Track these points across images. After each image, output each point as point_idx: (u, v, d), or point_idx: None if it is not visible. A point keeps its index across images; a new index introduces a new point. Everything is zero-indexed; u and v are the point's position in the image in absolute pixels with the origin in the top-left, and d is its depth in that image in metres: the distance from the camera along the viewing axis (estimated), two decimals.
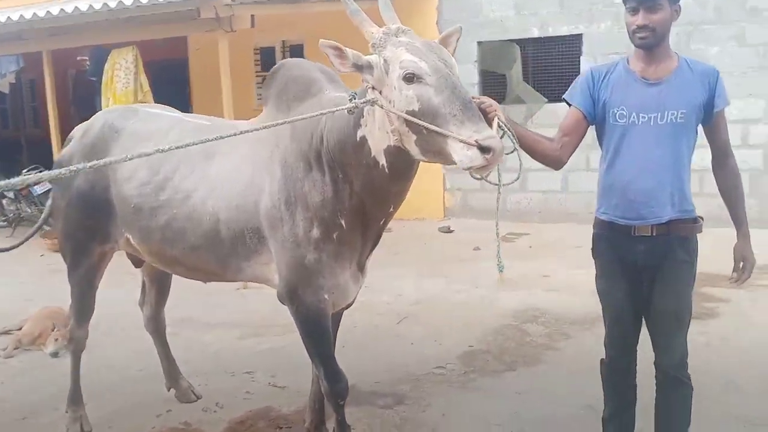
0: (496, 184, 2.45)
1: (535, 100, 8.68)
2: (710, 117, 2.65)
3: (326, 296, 2.79)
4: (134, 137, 3.19)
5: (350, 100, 2.42)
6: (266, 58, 10.55)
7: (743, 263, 2.68)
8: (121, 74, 6.96)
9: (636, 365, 2.88)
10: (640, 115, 2.61)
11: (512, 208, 8.78)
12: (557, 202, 8.86)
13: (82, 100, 11.37)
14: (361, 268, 2.91)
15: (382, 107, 2.36)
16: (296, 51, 10.31)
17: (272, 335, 5.03)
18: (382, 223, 2.79)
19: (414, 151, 2.37)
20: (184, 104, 9.84)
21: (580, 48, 8.57)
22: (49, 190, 9.68)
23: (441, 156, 2.30)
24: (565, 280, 5.94)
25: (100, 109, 7.29)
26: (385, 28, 2.47)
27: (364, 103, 2.39)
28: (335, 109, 2.43)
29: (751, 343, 4.47)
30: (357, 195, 2.63)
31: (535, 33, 8.75)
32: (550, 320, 5.02)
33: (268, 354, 4.69)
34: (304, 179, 2.70)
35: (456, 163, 2.23)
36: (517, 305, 5.38)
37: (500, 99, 9.12)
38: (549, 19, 8.65)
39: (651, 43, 2.59)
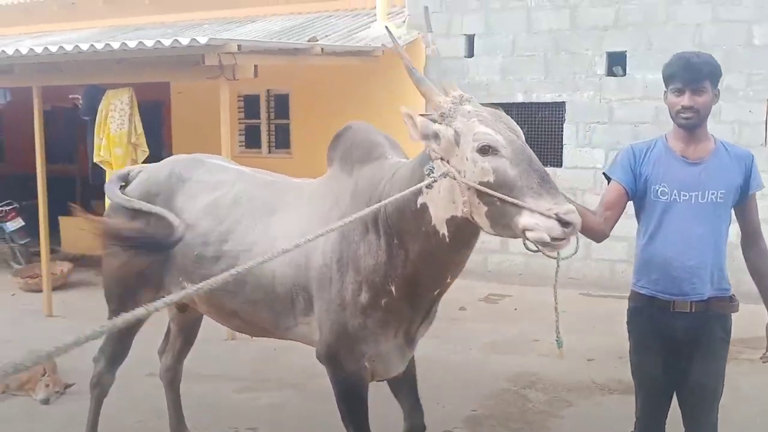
0: (557, 258, 2.43)
1: None
2: (744, 198, 2.79)
3: (366, 364, 2.76)
4: (200, 186, 3.23)
5: (428, 174, 2.40)
6: (250, 106, 10.59)
7: None
8: (116, 115, 6.90)
9: None
10: (682, 193, 2.72)
11: (494, 269, 8.88)
12: (539, 264, 8.98)
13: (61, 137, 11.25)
14: (409, 340, 2.86)
15: (454, 179, 2.34)
16: (281, 100, 10.39)
17: (269, 390, 4.95)
18: (436, 293, 2.76)
19: (483, 223, 2.36)
20: (158, 147, 9.78)
21: (563, 115, 8.85)
22: (22, 227, 9.50)
23: (511, 228, 2.28)
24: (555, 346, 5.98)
25: (92, 149, 7.25)
26: (452, 98, 2.47)
27: (441, 176, 2.36)
28: (422, 184, 2.39)
29: (744, 417, 4.56)
30: (412, 263, 2.61)
31: (520, 98, 9.00)
32: (548, 386, 5.05)
33: (268, 410, 4.60)
34: (360, 242, 2.70)
35: (526, 236, 2.23)
36: (513, 369, 5.41)
37: None
38: (533, 86, 8.92)
39: (694, 124, 2.72)
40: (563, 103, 8.81)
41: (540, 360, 5.70)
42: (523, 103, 9.00)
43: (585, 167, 8.74)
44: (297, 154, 10.22)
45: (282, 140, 10.73)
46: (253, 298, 2.93)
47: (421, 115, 2.45)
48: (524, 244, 2.38)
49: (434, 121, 2.42)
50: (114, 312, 3.35)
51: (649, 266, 2.78)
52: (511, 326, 6.49)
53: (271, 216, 2.98)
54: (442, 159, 2.39)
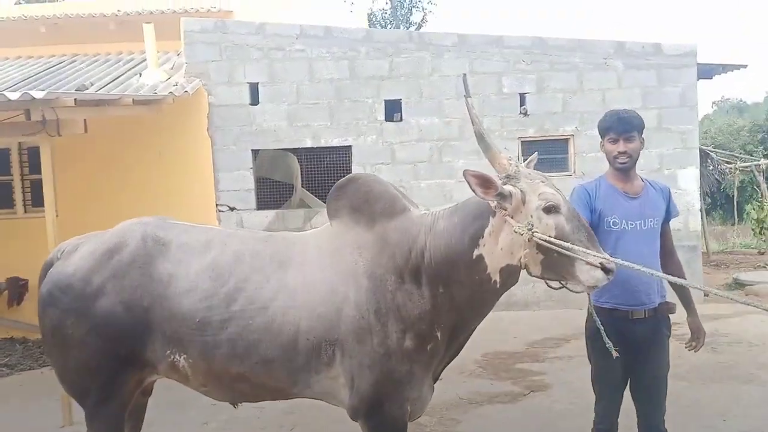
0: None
1: (315, 204, 9.30)
2: (666, 223, 3.47)
3: (409, 408, 2.85)
4: (187, 248, 3.00)
5: (529, 230, 2.62)
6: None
7: (699, 333, 3.50)
8: None
9: None
10: (629, 222, 3.31)
11: None
12: None
13: None
14: (435, 377, 3.03)
15: (537, 238, 2.61)
16: (33, 153, 9.40)
17: None
18: (469, 333, 2.99)
19: (536, 269, 2.70)
20: None
21: (350, 157, 9.49)
22: None
23: (563, 274, 2.68)
24: None
25: None
26: (512, 160, 2.81)
27: (531, 231, 2.61)
28: (593, 255, 2.58)
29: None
30: (457, 308, 2.80)
31: (309, 143, 9.43)
32: (428, 409, 5.45)
33: None
34: (396, 291, 2.78)
35: (580, 282, 2.64)
36: None
37: (277, 204, 9.58)
38: (320, 131, 9.42)
39: (629, 166, 3.34)
40: (349, 146, 9.47)
41: None
42: (312, 147, 9.46)
43: None
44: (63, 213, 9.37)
45: (39, 197, 9.71)
46: (269, 356, 2.83)
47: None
48: (547, 284, 2.87)
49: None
50: (95, 405, 2.99)
51: (610, 284, 3.07)
52: None
53: (285, 270, 2.89)
54: (508, 216, 2.67)
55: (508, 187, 2.70)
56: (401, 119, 9.46)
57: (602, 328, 3.14)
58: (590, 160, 9.54)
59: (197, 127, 9.30)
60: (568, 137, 9.62)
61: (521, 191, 2.70)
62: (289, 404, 4.08)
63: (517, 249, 2.70)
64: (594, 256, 2.60)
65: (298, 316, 2.82)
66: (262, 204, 9.50)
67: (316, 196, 9.57)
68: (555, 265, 2.67)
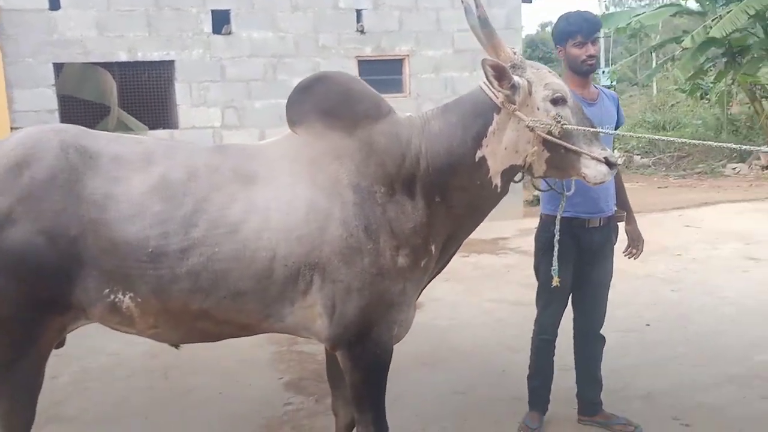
0: (563, 192, 2.85)
1: (138, 128, 8.23)
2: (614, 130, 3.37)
3: (396, 331, 2.56)
4: (124, 163, 2.35)
5: (558, 122, 2.39)
6: None
7: (638, 241, 3.49)
8: None
9: None
10: None
11: None
12: None
13: None
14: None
15: (551, 131, 2.41)
16: None
17: None
18: (460, 244, 2.73)
19: (540, 168, 2.49)
20: None
21: (172, 73, 8.49)
22: None
23: (568, 171, 2.51)
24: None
25: None
26: (515, 49, 2.54)
27: (559, 124, 2.39)
28: (548, 134, 2.40)
29: (464, 325, 5.41)
30: (455, 217, 2.54)
31: (123, 57, 8.25)
32: (312, 389, 5.05)
33: None
34: (387, 204, 2.43)
35: (584, 177, 2.48)
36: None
37: (91, 125, 8.36)
38: (137, 43, 8.27)
39: (594, 69, 3.23)
40: (172, 61, 8.48)
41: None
42: (128, 62, 8.35)
43: (202, 127, 8.63)
44: None
45: None
46: (239, 288, 2.35)
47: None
48: (534, 185, 2.71)
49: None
50: (8, 363, 2.30)
51: (573, 194, 3.03)
52: None
53: (252, 187, 2.41)
54: (514, 109, 2.41)
55: (516, 78, 2.43)
56: (231, 32, 8.60)
57: (557, 246, 3.03)
58: (425, 81, 9.46)
59: None
60: (403, 57, 9.40)
61: (528, 81, 2.45)
62: (150, 345, 3.45)
63: (523, 147, 2.47)
64: (600, 150, 2.48)
65: (274, 239, 2.34)
66: None
67: (135, 117, 8.48)
68: (561, 161, 2.49)
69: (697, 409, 3.69)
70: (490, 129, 2.48)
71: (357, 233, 2.39)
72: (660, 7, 17.29)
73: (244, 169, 2.45)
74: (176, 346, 2.70)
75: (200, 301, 2.35)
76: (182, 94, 8.50)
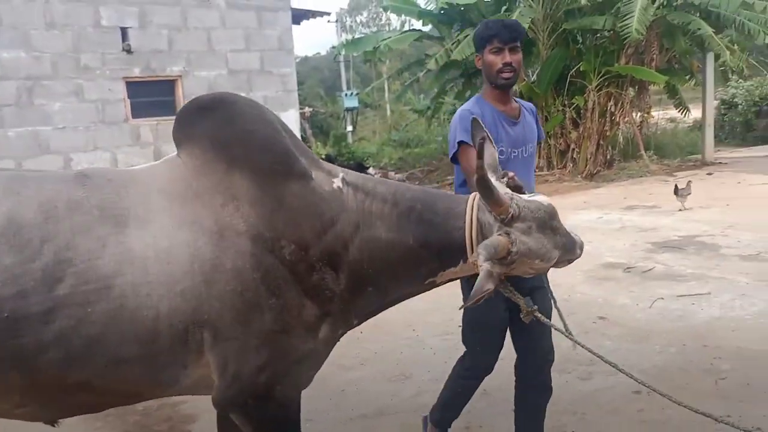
0: None
1: None
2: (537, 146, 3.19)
3: (303, 390, 2.29)
4: None
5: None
6: None
7: None
8: None
9: None
10: (513, 150, 2.94)
11: None
12: None
13: None
14: None
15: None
16: None
17: None
18: None
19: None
20: None
21: None
22: None
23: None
24: None
25: None
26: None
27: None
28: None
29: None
30: (384, 300, 2.32)
31: None
32: None
33: None
34: (298, 263, 2.10)
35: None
36: None
37: None
38: None
39: (513, 82, 2.90)
40: None
41: None
42: None
43: None
44: None
45: None
46: (121, 355, 1.97)
47: None
48: None
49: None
50: None
51: None
52: None
53: (124, 229, 2.00)
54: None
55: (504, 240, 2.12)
56: None
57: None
58: None
59: None
60: (175, 78, 9.01)
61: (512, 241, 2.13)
62: None
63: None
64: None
65: (154, 294, 1.97)
66: None
67: None
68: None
69: None
70: (452, 270, 2.26)
71: (255, 286, 2.06)
72: (404, 32, 18.47)
73: (112, 204, 2.04)
74: (53, 423, 2.25)
75: (77, 371, 1.97)
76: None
